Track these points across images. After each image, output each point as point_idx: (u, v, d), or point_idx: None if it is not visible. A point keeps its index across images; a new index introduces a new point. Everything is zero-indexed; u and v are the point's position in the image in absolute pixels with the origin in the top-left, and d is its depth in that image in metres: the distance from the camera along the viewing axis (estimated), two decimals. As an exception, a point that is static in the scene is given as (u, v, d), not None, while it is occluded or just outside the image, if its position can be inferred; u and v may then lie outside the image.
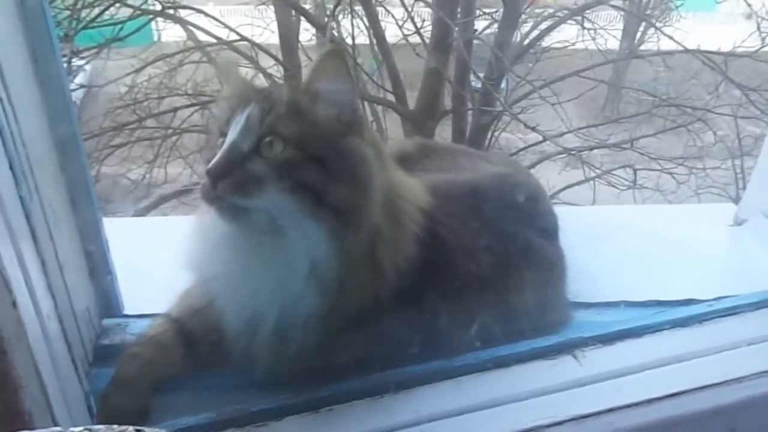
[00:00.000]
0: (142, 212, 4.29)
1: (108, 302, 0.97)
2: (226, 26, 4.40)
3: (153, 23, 4.69)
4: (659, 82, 5.55)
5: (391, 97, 4.73)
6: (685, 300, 1.07)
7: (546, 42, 5.13)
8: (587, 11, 5.05)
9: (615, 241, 1.25)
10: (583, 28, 4.97)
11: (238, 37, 4.42)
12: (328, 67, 0.78)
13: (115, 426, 0.47)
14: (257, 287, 0.80)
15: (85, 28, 3.76)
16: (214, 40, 4.45)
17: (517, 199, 0.98)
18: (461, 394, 0.86)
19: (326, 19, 4.26)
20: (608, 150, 5.27)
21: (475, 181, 1.02)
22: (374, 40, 4.62)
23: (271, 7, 4.79)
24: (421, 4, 4.70)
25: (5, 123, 0.67)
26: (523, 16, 4.94)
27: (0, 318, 0.59)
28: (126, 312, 0.99)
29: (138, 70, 4.21)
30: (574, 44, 5.08)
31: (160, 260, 0.91)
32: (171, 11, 4.35)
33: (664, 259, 1.20)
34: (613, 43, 5.40)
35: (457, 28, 4.26)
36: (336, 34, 4.35)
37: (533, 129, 4.57)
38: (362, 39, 4.76)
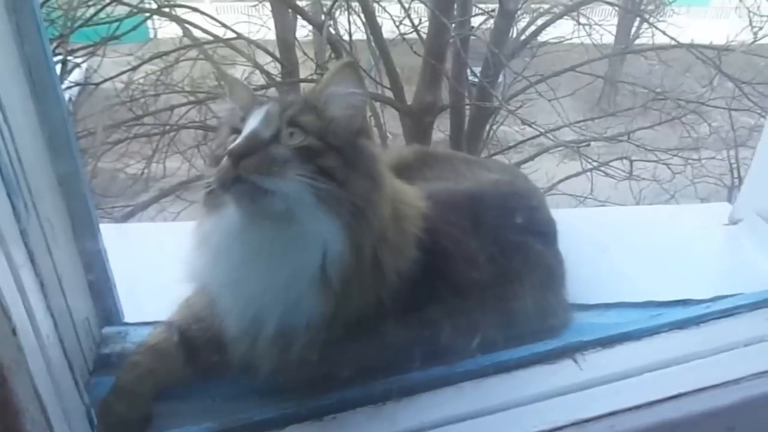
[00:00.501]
0: (142, 207, 4.30)
1: (107, 311, 0.97)
2: (223, 25, 4.37)
3: (149, 20, 4.66)
4: (654, 75, 5.58)
5: (389, 93, 4.71)
6: (681, 300, 1.08)
7: (542, 37, 5.15)
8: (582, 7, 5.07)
9: (612, 242, 1.25)
10: (579, 23, 5.00)
11: (234, 35, 4.40)
12: (343, 76, 0.82)
13: None
14: (261, 289, 0.79)
15: (81, 26, 3.73)
16: (210, 37, 4.42)
17: (516, 207, 0.99)
18: (463, 401, 0.86)
19: (323, 18, 4.24)
20: (605, 141, 5.31)
21: (475, 190, 1.03)
22: (371, 37, 4.60)
23: (267, 4, 4.76)
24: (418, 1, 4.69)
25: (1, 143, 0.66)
26: (519, 12, 4.94)
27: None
28: (126, 320, 0.99)
29: (134, 69, 4.18)
30: (570, 39, 5.10)
31: (159, 266, 0.91)
32: (167, 9, 4.32)
33: (660, 259, 1.22)
34: (609, 38, 5.43)
35: (453, 25, 4.24)
36: (333, 31, 4.32)
37: (530, 125, 4.58)
38: (359, 35, 4.74)
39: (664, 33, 4.66)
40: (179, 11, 4.38)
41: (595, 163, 5.14)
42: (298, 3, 4.77)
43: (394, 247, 0.81)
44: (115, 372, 0.86)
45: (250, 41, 4.47)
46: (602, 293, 1.09)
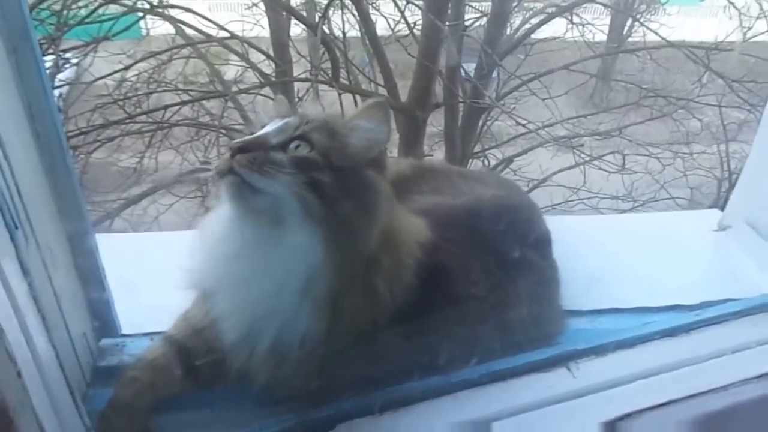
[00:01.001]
0: (136, 200, 4.31)
1: (105, 324, 0.97)
2: (216, 24, 4.35)
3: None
4: (646, 72, 5.63)
5: (383, 91, 4.70)
6: (671, 306, 1.10)
7: (535, 35, 5.17)
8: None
9: (604, 248, 1.27)
10: (572, 23, 5.02)
11: (228, 34, 4.38)
12: (371, 113, 0.85)
13: None
14: (253, 291, 0.80)
15: (75, 26, 3.69)
16: (203, 36, 4.40)
17: (513, 221, 1.00)
18: (460, 410, 0.88)
19: (317, 19, 4.22)
20: (598, 137, 5.37)
21: (472, 205, 1.04)
22: (365, 36, 4.59)
23: (261, 5, 4.73)
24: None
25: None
26: (512, 11, 4.96)
27: (5, 389, 0.58)
28: (123, 332, 1.00)
29: (127, 68, 4.16)
30: (563, 37, 5.13)
31: (156, 277, 0.91)
32: (160, 9, 4.28)
33: (650, 265, 1.23)
34: (601, 36, 5.46)
35: (447, 24, 4.24)
36: (327, 30, 4.31)
37: (524, 125, 4.62)
38: (353, 33, 4.73)
39: (655, 33, 4.71)
40: (173, 11, 4.34)
41: (587, 157, 5.20)
42: (292, 2, 4.77)
43: (388, 273, 0.82)
44: (113, 384, 0.86)
45: (243, 40, 4.45)
46: (595, 300, 1.11)
